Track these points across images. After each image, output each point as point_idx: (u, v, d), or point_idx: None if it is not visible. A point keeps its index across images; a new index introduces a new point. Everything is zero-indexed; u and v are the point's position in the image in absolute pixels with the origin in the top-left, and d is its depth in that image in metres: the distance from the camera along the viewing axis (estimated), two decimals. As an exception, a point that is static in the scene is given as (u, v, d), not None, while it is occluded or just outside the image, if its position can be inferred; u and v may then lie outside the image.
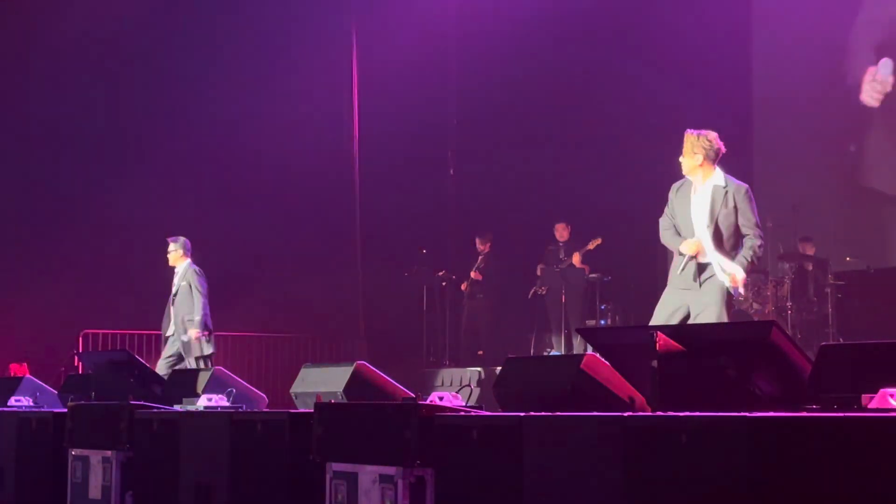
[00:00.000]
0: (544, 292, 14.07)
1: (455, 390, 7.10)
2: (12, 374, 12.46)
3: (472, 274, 14.68)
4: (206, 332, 11.46)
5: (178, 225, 13.78)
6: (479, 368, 12.70)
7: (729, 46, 14.34)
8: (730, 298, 7.78)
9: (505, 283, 14.73)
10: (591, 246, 13.84)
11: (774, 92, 14.07)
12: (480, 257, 14.80)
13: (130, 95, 14.67)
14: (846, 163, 13.53)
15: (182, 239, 11.78)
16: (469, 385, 9.04)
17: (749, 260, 7.78)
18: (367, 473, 5.63)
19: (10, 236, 14.34)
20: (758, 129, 14.43)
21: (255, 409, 7.43)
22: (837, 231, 12.87)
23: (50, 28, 14.12)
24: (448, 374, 13.24)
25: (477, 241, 14.91)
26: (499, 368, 7.42)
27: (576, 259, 13.90)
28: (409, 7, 15.73)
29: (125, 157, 14.83)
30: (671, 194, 7.99)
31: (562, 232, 14.37)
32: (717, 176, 7.80)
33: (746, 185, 7.90)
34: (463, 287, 14.87)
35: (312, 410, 6.14)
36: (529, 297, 14.37)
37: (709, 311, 7.67)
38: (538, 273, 14.37)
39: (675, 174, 7.92)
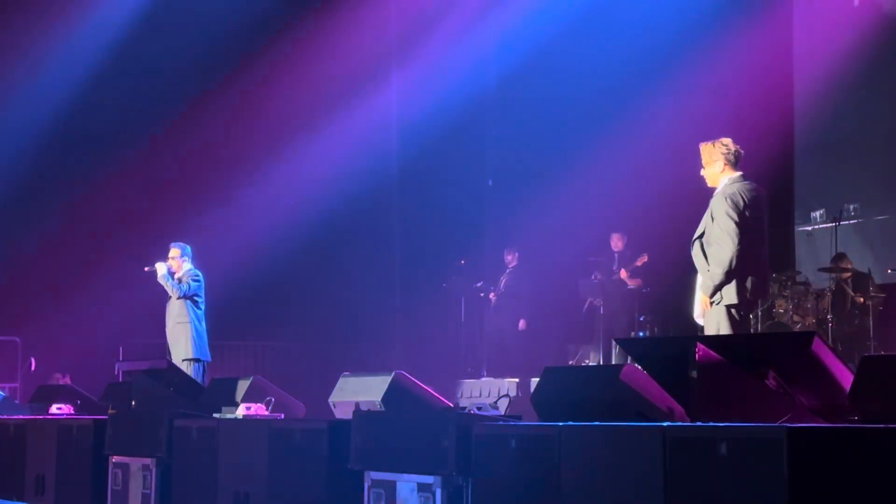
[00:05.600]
0: (600, 304, 13.85)
1: (493, 401, 7.10)
2: (55, 384, 12.57)
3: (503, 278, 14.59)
4: None
5: (220, 238, 13.94)
6: (516, 379, 12.65)
7: (771, 52, 14.14)
8: (728, 321, 7.15)
9: (536, 295, 14.64)
10: (638, 262, 13.53)
11: (816, 105, 13.91)
12: (508, 270, 14.76)
13: (177, 119, 14.93)
14: (891, 171, 13.36)
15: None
16: (507, 395, 9.04)
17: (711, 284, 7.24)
18: (406, 482, 5.64)
19: (55, 248, 14.51)
20: (798, 142, 14.28)
21: (294, 418, 7.46)
22: (879, 242, 12.74)
23: (142, 55, 14.59)
24: (487, 384, 13.22)
25: (505, 252, 14.89)
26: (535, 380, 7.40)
27: (623, 274, 13.67)
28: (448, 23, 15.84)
29: (172, 172, 15.05)
30: None
31: (616, 242, 13.93)
32: (726, 180, 7.34)
33: (734, 189, 7.27)
34: (491, 297, 14.80)
35: (351, 419, 6.16)
36: (585, 309, 14.12)
37: None
38: (594, 279, 14.00)
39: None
